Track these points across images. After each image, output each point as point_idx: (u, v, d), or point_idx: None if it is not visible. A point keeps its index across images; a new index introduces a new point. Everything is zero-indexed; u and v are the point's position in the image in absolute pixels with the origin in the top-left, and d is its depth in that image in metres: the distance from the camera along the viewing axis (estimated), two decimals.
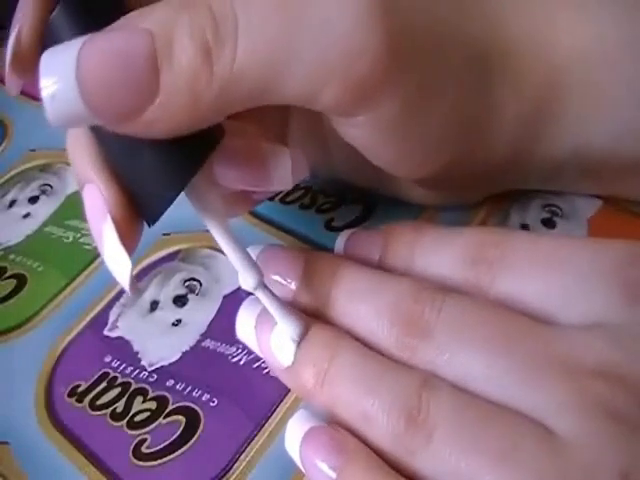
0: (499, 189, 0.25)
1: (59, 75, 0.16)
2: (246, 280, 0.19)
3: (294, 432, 0.19)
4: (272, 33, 0.16)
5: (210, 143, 0.18)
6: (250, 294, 0.22)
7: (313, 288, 0.21)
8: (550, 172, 0.23)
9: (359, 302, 0.20)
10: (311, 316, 0.20)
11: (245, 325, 0.21)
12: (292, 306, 0.20)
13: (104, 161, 0.19)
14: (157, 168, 0.18)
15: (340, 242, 0.23)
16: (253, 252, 0.22)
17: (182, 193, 0.18)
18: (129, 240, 0.18)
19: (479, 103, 0.21)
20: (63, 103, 0.16)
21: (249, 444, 0.21)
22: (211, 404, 0.22)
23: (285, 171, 0.20)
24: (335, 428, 0.18)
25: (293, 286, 0.21)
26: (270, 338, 0.20)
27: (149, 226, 0.19)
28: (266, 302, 0.19)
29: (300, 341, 0.19)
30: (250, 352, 0.23)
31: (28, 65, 0.18)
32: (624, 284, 0.17)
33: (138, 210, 0.19)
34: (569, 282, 0.18)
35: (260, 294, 0.19)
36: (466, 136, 0.21)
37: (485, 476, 0.15)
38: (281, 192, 0.29)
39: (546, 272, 0.18)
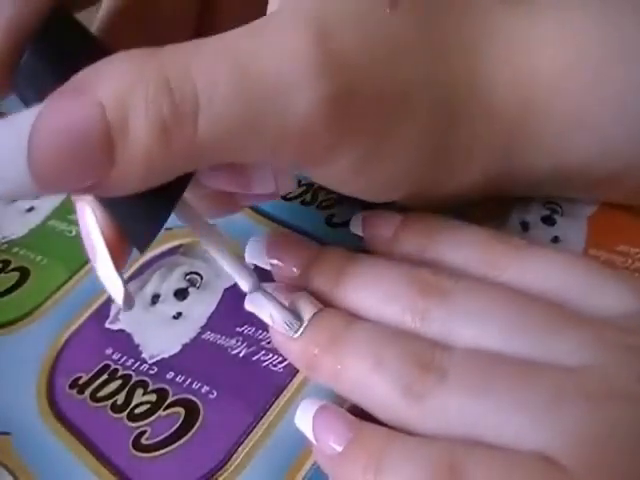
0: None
1: (9, 157, 0.15)
2: (243, 285, 0.20)
3: (308, 405, 0.19)
4: (232, 114, 0.16)
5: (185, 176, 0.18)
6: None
7: (325, 270, 0.21)
8: (530, 186, 0.24)
9: (374, 280, 0.20)
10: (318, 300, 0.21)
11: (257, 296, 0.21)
12: (297, 289, 0.21)
13: None
14: (137, 208, 0.18)
15: (357, 218, 0.24)
16: (257, 240, 0.23)
17: None
18: (120, 261, 0.19)
19: (446, 142, 0.21)
20: (9, 183, 0.16)
21: (248, 436, 0.21)
22: (210, 396, 0.22)
23: (266, 178, 0.20)
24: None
25: (297, 270, 0.22)
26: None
27: (140, 253, 0.20)
28: (266, 303, 0.20)
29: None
30: (250, 344, 0.23)
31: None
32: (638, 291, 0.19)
33: (128, 238, 0.19)
34: (590, 279, 0.19)
35: (259, 296, 0.20)
36: (433, 170, 0.22)
37: (504, 394, 0.16)
38: None
39: (567, 268, 0.20)
